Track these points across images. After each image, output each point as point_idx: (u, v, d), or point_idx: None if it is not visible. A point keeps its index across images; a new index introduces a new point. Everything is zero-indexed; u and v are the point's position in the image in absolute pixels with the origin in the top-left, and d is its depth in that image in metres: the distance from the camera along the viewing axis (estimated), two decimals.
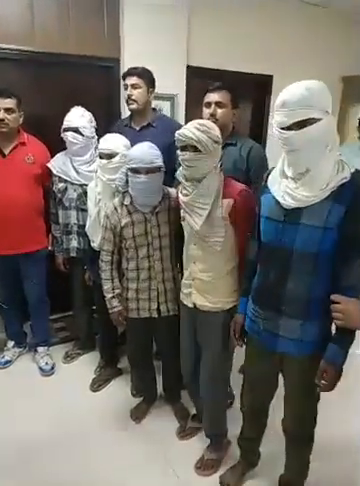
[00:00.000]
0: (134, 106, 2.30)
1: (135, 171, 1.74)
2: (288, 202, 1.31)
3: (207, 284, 1.72)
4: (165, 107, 3.04)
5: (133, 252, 1.88)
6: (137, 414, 2.27)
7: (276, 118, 1.27)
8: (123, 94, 2.35)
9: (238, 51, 3.35)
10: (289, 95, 1.22)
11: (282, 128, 1.26)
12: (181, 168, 1.66)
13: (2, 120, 2.21)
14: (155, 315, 1.97)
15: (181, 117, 3.12)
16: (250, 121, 3.65)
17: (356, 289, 1.28)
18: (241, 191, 1.62)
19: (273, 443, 1.73)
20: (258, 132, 3.44)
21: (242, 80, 3.37)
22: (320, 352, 1.38)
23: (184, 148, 1.58)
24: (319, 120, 1.21)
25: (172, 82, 3.00)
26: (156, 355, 2.40)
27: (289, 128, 1.24)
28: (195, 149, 1.55)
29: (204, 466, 1.95)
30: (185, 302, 1.84)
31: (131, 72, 2.29)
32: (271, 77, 3.44)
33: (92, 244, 2.23)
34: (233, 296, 1.73)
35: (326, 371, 1.33)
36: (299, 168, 1.30)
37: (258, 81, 3.43)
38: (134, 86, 2.27)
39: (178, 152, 1.62)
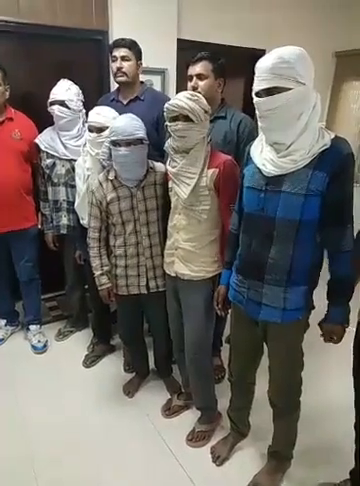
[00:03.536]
0: (123, 78, 2.23)
1: (116, 144, 1.71)
2: (269, 169, 1.32)
3: (190, 253, 1.74)
4: (156, 81, 2.99)
5: (120, 228, 1.87)
6: (129, 389, 2.30)
7: (254, 83, 1.29)
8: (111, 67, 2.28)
9: (230, 25, 3.29)
10: (262, 62, 1.23)
11: (255, 93, 1.28)
12: (170, 140, 1.67)
13: None
14: (144, 291, 1.96)
15: (172, 91, 3.07)
16: (243, 95, 3.63)
17: (351, 253, 1.33)
18: (225, 161, 1.64)
19: (263, 415, 1.76)
20: (251, 106, 3.38)
21: (235, 54, 3.31)
22: (303, 319, 1.43)
23: (175, 119, 1.59)
24: (287, 89, 1.20)
25: (162, 56, 2.96)
26: (148, 331, 2.41)
27: (258, 94, 1.26)
28: (187, 119, 1.57)
29: (195, 438, 1.99)
30: (167, 271, 1.87)
31: (120, 43, 2.21)
32: (264, 51, 3.36)
33: (81, 221, 2.21)
34: (214, 266, 1.76)
35: (333, 331, 1.40)
36: (269, 135, 1.32)
37: (251, 55, 3.35)
38: (124, 58, 2.20)
39: (168, 123, 1.62)
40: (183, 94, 1.60)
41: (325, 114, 4.19)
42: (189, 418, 2.10)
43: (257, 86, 1.26)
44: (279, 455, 1.75)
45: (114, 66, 2.23)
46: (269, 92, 1.23)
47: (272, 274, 1.40)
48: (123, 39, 2.22)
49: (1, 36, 2.56)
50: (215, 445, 1.95)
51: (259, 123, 1.34)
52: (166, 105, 1.60)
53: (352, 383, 1.59)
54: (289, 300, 1.40)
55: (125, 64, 2.21)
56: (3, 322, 2.77)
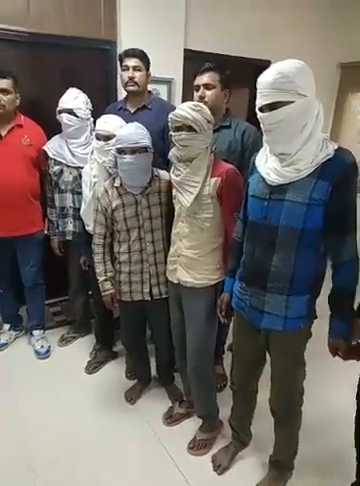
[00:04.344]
0: (134, 88, 2.26)
1: (121, 151, 1.74)
2: (272, 178, 1.34)
3: (192, 261, 1.75)
4: (162, 90, 3.02)
5: (125, 235, 1.89)
6: (131, 395, 2.29)
7: (256, 99, 1.32)
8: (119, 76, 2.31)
9: (236, 36, 3.33)
10: (263, 78, 1.26)
11: (258, 109, 1.31)
12: (174, 149, 1.70)
13: None
14: (147, 298, 1.97)
15: (178, 101, 3.10)
16: (248, 106, 3.66)
17: (353, 263, 1.33)
18: (228, 170, 1.66)
19: (264, 425, 1.75)
20: (256, 116, 3.41)
21: (240, 65, 3.35)
22: (305, 329, 1.44)
23: (179, 128, 1.62)
24: (289, 103, 1.23)
25: (169, 66, 2.99)
26: (150, 338, 2.42)
27: (261, 109, 1.29)
28: (190, 129, 1.60)
29: (196, 446, 1.98)
30: (170, 278, 1.88)
31: (131, 53, 2.24)
32: (269, 62, 3.40)
33: (87, 228, 2.24)
34: (216, 273, 1.77)
35: (336, 347, 1.38)
36: (274, 147, 1.35)
37: (256, 66, 3.39)
38: (135, 68, 2.23)
39: (171, 133, 1.65)
40: (186, 104, 1.63)
41: (330, 125, 4.21)
42: (190, 426, 2.10)
43: (259, 101, 1.29)
44: (280, 464, 1.75)
45: (125, 75, 2.25)
46: (272, 107, 1.25)
47: (274, 282, 1.40)
48: (134, 49, 2.25)
49: (12, 45, 2.61)
50: (216, 454, 1.94)
51: (264, 136, 1.36)
52: (170, 115, 1.63)
53: (352, 393, 1.58)
54: (291, 308, 1.41)
55: (137, 74, 2.24)
56: (7, 326, 2.78)
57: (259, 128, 2.08)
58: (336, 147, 1.29)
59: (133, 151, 1.72)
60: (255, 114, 1.35)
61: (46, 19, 2.65)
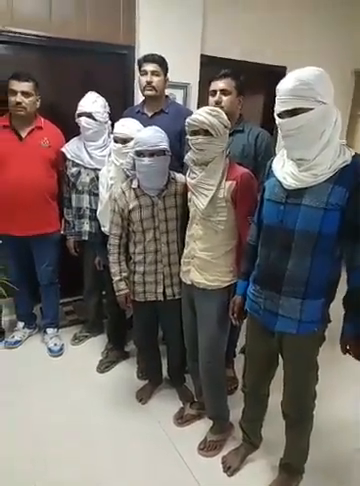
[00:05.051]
0: (152, 93, 2.30)
1: (139, 154, 1.78)
2: (289, 182, 1.36)
3: (206, 263, 1.78)
4: (178, 95, 3.06)
5: (140, 235, 1.92)
6: (142, 395, 2.31)
7: (275, 105, 1.34)
8: (137, 80, 2.35)
9: (252, 42, 3.36)
10: (282, 84, 1.29)
11: (277, 115, 1.33)
12: (190, 152, 1.74)
13: (19, 103, 2.25)
14: (161, 298, 2.00)
15: (193, 106, 3.13)
16: (263, 111, 3.68)
17: None
18: (243, 174, 1.69)
19: (275, 428, 1.76)
20: (271, 122, 3.42)
21: (256, 70, 3.38)
22: (318, 332, 1.45)
23: (196, 132, 1.65)
24: (309, 110, 1.25)
25: (186, 71, 3.02)
26: (162, 339, 2.44)
27: (280, 116, 1.31)
28: (206, 133, 1.63)
29: (207, 447, 1.99)
30: (183, 279, 1.91)
31: (150, 59, 2.29)
32: (285, 68, 3.42)
33: (103, 229, 2.27)
34: (229, 275, 1.79)
35: (350, 346, 1.40)
36: (292, 153, 1.36)
37: (272, 72, 3.42)
38: (154, 73, 2.28)
39: (188, 137, 1.69)
40: (204, 109, 1.67)
41: (344, 132, 4.21)
42: (201, 427, 2.11)
43: (278, 108, 1.31)
44: (291, 468, 1.75)
45: (144, 80, 2.29)
46: (291, 113, 1.27)
47: (289, 286, 1.42)
48: (153, 55, 2.29)
49: (33, 49, 2.68)
50: (226, 455, 1.95)
51: (283, 142, 1.38)
52: (187, 120, 1.67)
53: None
54: (305, 312, 1.42)
55: (155, 79, 2.28)
56: (21, 324, 2.82)
57: (272, 134, 2.11)
58: (353, 154, 1.31)
59: (152, 154, 1.76)
60: (270, 120, 1.37)
61: (68, 24, 2.71)
